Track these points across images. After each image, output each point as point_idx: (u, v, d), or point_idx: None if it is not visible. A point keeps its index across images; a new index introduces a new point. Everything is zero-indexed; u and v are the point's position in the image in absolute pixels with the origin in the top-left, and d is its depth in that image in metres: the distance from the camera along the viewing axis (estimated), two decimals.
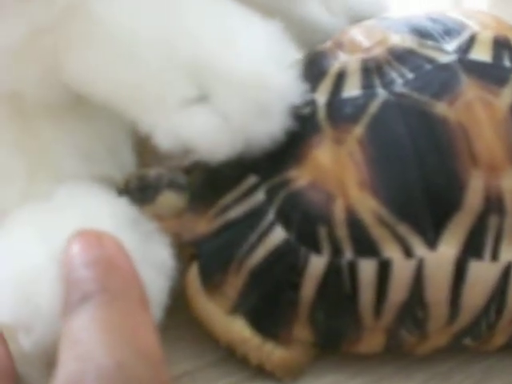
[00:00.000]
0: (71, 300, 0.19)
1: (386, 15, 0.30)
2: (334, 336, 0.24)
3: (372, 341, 0.24)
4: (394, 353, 0.25)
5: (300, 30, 0.28)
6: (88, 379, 0.16)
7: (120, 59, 0.23)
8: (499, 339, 0.25)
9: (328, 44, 0.26)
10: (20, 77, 0.25)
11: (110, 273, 0.20)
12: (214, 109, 0.22)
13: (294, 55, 0.24)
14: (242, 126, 0.22)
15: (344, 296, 0.23)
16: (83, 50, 0.23)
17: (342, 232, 0.22)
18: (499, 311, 0.23)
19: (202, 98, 0.23)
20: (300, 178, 0.23)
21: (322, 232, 0.22)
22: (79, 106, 0.27)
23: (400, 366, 0.25)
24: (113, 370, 0.16)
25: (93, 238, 0.21)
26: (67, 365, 0.17)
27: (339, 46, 0.25)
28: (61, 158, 0.27)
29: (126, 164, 0.29)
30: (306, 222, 0.23)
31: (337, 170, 0.22)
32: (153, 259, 0.23)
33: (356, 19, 0.30)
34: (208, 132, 0.23)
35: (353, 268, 0.22)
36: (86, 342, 0.17)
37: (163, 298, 0.23)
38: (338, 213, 0.22)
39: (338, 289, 0.23)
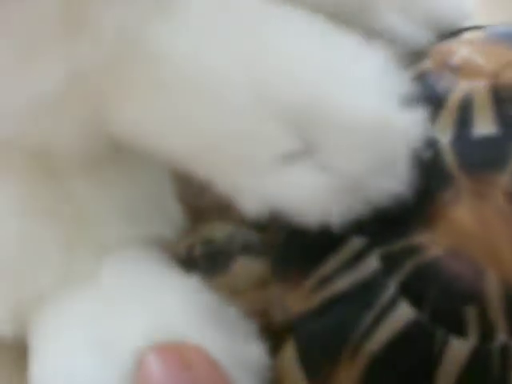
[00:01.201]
0: None
1: (474, 23, 0.26)
2: None
3: None
4: None
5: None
6: None
7: (194, 107, 0.18)
8: None
9: (428, 64, 0.21)
10: (51, 129, 0.19)
11: None
12: (320, 165, 0.18)
13: (410, 87, 0.18)
14: (359, 184, 0.18)
15: None
16: (141, 96, 0.18)
17: (495, 311, 0.17)
18: None
19: (306, 153, 0.17)
20: (433, 244, 0.18)
21: (470, 313, 0.18)
22: (118, 160, 0.22)
23: None
24: None
25: (177, 356, 0.16)
26: None
27: (448, 67, 0.21)
28: (102, 223, 0.22)
29: (174, 219, 0.24)
30: (445, 299, 0.18)
31: (483, 232, 0.18)
32: (242, 360, 0.19)
33: (436, 28, 0.25)
34: (313, 195, 0.18)
35: (506, 353, 0.18)
36: None
37: None
38: (492, 288, 0.17)
39: (484, 379, 0.18)
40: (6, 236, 0.21)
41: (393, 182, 0.18)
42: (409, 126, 0.18)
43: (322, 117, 0.17)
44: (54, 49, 0.17)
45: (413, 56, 0.23)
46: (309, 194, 0.18)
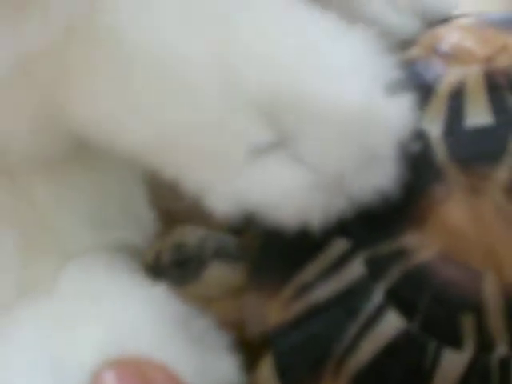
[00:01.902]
0: None
1: (463, 12, 0.24)
2: None
3: None
4: None
5: None
6: None
7: (157, 95, 0.16)
8: None
9: (416, 50, 0.20)
10: (5, 120, 0.17)
11: None
12: (295, 158, 0.16)
13: (395, 72, 0.17)
14: (339, 180, 0.16)
15: None
16: (97, 83, 0.16)
17: (495, 321, 0.16)
18: None
19: (278, 145, 0.16)
20: (423, 246, 0.16)
21: (466, 322, 0.16)
22: (81, 156, 0.20)
23: None
24: None
25: (134, 372, 0.14)
26: None
27: (437, 53, 0.19)
28: (64, 228, 0.20)
29: (145, 224, 0.22)
30: (438, 307, 0.16)
31: (480, 232, 0.16)
32: (214, 380, 0.17)
33: (424, 17, 0.23)
34: (288, 192, 0.16)
35: (506, 366, 0.16)
36: None
37: None
38: (490, 295, 0.16)
39: None
40: None
41: (377, 177, 0.16)
42: (395, 115, 0.16)
43: (297, 105, 0.15)
44: (2, 31, 0.15)
45: (400, 44, 0.21)
46: (283, 191, 0.16)
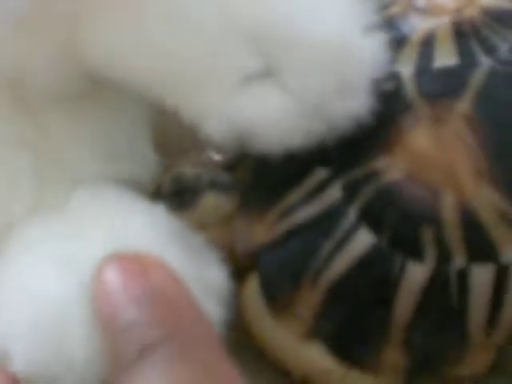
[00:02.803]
0: (126, 351, 0.15)
1: None
2: (433, 359, 0.20)
3: (478, 361, 0.20)
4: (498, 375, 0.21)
5: None
6: None
7: (161, 26, 0.18)
8: None
9: (394, 7, 0.22)
10: (25, 55, 0.20)
11: (168, 312, 0.15)
12: (283, 86, 0.18)
13: (374, 17, 0.19)
14: (318, 106, 0.18)
15: (449, 310, 0.19)
16: (113, 21, 0.18)
17: (453, 234, 0.18)
18: None
19: (269, 74, 0.18)
20: (391, 168, 0.19)
21: (427, 235, 0.18)
22: (94, 95, 0.22)
23: None
24: None
25: (132, 262, 0.16)
26: None
27: (413, 8, 0.21)
28: (76, 158, 0.22)
29: (149, 162, 0.24)
30: (403, 223, 0.18)
31: (441, 156, 0.18)
32: (205, 283, 0.19)
33: None
34: (276, 116, 0.18)
35: (463, 276, 0.19)
36: None
37: (220, 329, 0.18)
38: (448, 210, 0.18)
39: (443, 302, 0.19)
40: None
41: (352, 106, 0.18)
42: (369, 53, 0.18)
43: (284, 38, 0.18)
44: None
45: (383, 5, 0.23)
46: (270, 115, 0.18)
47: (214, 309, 0.18)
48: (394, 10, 0.22)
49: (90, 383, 0.17)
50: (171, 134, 0.25)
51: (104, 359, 0.16)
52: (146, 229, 0.19)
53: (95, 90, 0.21)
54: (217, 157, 0.24)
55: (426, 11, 0.21)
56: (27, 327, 0.17)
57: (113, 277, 0.16)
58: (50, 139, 0.22)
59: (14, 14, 0.18)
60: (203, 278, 0.19)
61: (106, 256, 0.17)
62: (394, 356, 0.20)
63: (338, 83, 0.18)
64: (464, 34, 0.20)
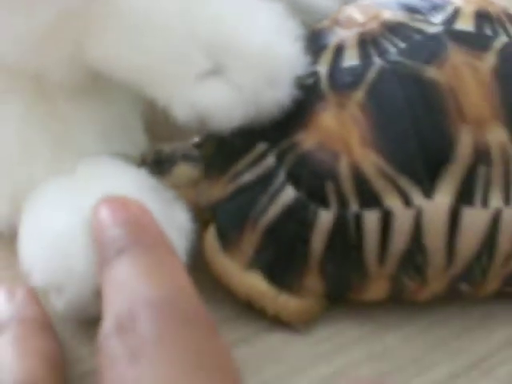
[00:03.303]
0: (107, 255, 0.21)
1: None
2: (342, 285, 0.26)
3: (377, 288, 0.26)
4: (398, 301, 0.27)
5: (298, 12, 0.30)
6: (138, 311, 0.18)
7: (139, 36, 0.25)
8: (493, 284, 0.27)
9: (326, 22, 0.29)
10: (47, 58, 0.27)
11: (139, 230, 0.22)
12: (227, 80, 0.25)
13: (298, 31, 0.26)
14: (254, 95, 0.25)
15: (350, 246, 0.25)
16: (104, 31, 0.25)
17: (347, 186, 0.24)
18: (491, 256, 0.26)
19: (217, 71, 0.25)
20: (307, 140, 0.25)
21: (330, 187, 0.25)
22: (97, 89, 0.29)
23: (403, 314, 0.28)
24: (160, 300, 0.18)
25: (119, 202, 0.23)
26: (114, 305, 0.19)
27: (336, 23, 0.28)
28: (82, 138, 0.29)
29: (140, 142, 0.31)
30: (314, 179, 0.25)
31: (341, 131, 0.25)
32: (174, 222, 0.26)
33: (349, 1, 0.32)
34: (223, 102, 0.25)
35: (358, 219, 0.25)
36: (130, 283, 0.19)
37: (183, 257, 0.25)
38: (344, 169, 0.24)
39: (345, 240, 0.25)
40: (8, 139, 0.28)
41: (279, 95, 0.25)
42: (293, 56, 0.25)
43: (229, 45, 0.25)
44: None
45: (321, 19, 0.30)
46: (219, 102, 0.25)
47: (181, 242, 0.25)
48: (325, 23, 0.29)
49: (85, 292, 0.24)
50: (161, 122, 0.32)
51: (96, 271, 0.23)
52: (132, 184, 0.26)
53: (96, 84, 0.29)
54: (194, 138, 0.31)
55: (343, 25, 0.28)
56: (43, 250, 0.24)
57: (103, 209, 0.23)
58: (63, 122, 0.29)
59: (35, 29, 0.25)
60: (174, 218, 0.26)
61: (101, 198, 0.24)
62: (313, 282, 0.26)
63: (268, 78, 0.25)
64: (365, 41, 0.26)
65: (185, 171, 0.29)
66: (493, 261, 0.26)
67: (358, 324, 0.27)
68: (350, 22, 0.27)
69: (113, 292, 0.20)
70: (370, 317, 0.27)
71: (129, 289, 0.19)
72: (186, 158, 0.29)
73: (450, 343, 0.27)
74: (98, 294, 0.22)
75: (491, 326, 0.28)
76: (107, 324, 0.19)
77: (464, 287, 0.27)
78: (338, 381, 0.16)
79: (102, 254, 0.21)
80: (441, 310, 0.28)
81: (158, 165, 0.29)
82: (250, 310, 0.27)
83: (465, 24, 0.26)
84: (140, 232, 0.22)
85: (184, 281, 0.20)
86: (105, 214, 0.23)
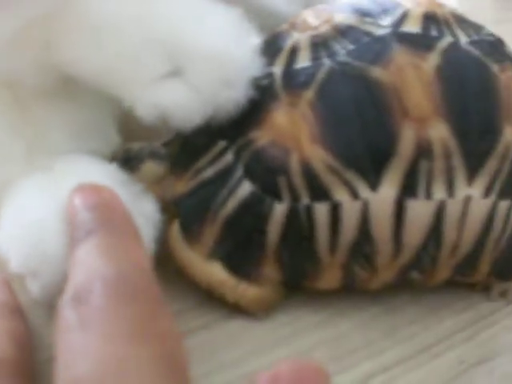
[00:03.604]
0: (76, 237, 0.23)
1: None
2: (297, 274, 0.28)
3: (330, 277, 0.28)
4: (351, 290, 0.29)
5: (260, 16, 0.32)
6: (94, 285, 0.19)
7: (104, 42, 0.27)
8: (444, 273, 0.29)
9: (285, 26, 0.30)
10: (16, 64, 0.28)
11: (108, 213, 0.24)
12: (186, 82, 0.26)
13: (253, 35, 0.27)
14: (211, 95, 0.26)
15: (304, 237, 0.27)
16: (69, 36, 0.27)
17: (298, 181, 0.26)
18: (438, 245, 0.27)
19: (176, 73, 0.26)
20: (261, 137, 0.27)
21: (282, 182, 0.26)
22: (69, 92, 0.31)
23: (355, 301, 0.29)
24: (115, 277, 0.20)
25: (91, 188, 0.25)
26: (75, 278, 0.21)
27: (293, 26, 0.30)
28: (55, 139, 0.30)
29: (112, 141, 0.33)
30: (268, 174, 0.27)
31: (292, 128, 0.26)
32: (142, 211, 0.27)
33: (310, 5, 0.34)
34: (182, 102, 0.26)
35: (309, 211, 0.26)
36: (90, 260, 0.21)
37: (151, 245, 0.27)
38: (295, 164, 0.26)
39: (298, 231, 0.27)
40: None
41: (235, 95, 0.27)
42: (246, 59, 0.27)
43: (187, 50, 0.26)
44: (10, 5, 0.26)
45: (281, 23, 0.32)
46: (180, 103, 0.27)
47: (149, 230, 0.27)
48: (284, 27, 0.31)
49: (59, 277, 0.25)
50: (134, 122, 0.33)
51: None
52: (103, 177, 0.28)
53: (68, 87, 0.30)
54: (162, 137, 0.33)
55: (299, 28, 0.29)
56: (18, 236, 0.26)
57: (78, 202, 0.25)
58: (37, 124, 0.31)
59: (6, 33, 0.27)
60: (142, 209, 0.27)
61: (74, 188, 0.26)
62: (270, 271, 0.28)
63: (224, 80, 0.27)
64: (317, 44, 0.28)
65: (151, 168, 0.30)
66: (440, 250, 0.27)
67: (314, 311, 0.29)
68: (304, 26, 0.29)
69: (74, 268, 0.21)
70: (325, 304, 0.29)
71: (88, 265, 0.21)
72: (153, 155, 0.30)
73: (402, 330, 0.29)
74: None
75: (442, 313, 0.29)
76: (65, 295, 0.20)
77: (415, 275, 0.28)
78: (258, 376, 0.17)
79: (73, 236, 0.23)
80: (394, 298, 0.30)
81: (126, 162, 0.30)
82: (212, 299, 0.28)
83: (412, 26, 0.28)
84: (108, 216, 0.23)
85: (141, 260, 0.22)
86: (77, 199, 0.24)
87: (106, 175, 0.28)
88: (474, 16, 0.30)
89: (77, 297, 0.19)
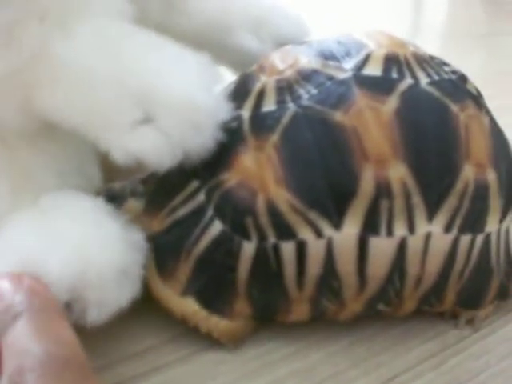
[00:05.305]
0: (6, 320, 0.24)
1: (306, 39, 0.36)
2: (267, 309, 0.29)
3: (300, 311, 0.29)
4: (322, 321, 0.30)
5: (232, 56, 0.33)
6: (25, 367, 0.21)
7: (80, 93, 0.28)
8: (410, 304, 0.30)
9: (254, 68, 0.32)
10: (1, 112, 0.30)
11: (32, 296, 0.25)
12: (157, 128, 0.28)
13: (220, 80, 0.29)
14: (181, 140, 0.28)
15: (272, 274, 0.28)
16: (50, 87, 0.29)
17: (264, 220, 0.27)
18: (402, 279, 0.28)
19: (148, 120, 0.28)
20: (230, 179, 0.28)
21: (249, 222, 0.28)
22: (53, 134, 0.32)
23: (326, 333, 0.31)
24: (44, 355, 0.21)
25: (16, 275, 0.26)
26: (8, 366, 0.22)
27: (261, 69, 0.31)
28: (39, 178, 0.32)
29: (94, 179, 0.34)
30: (236, 214, 0.28)
31: (258, 171, 0.28)
32: (131, 240, 0.29)
33: (282, 44, 0.35)
34: (153, 147, 0.28)
35: (276, 250, 0.28)
36: (20, 343, 0.22)
37: (141, 271, 0.28)
38: (261, 205, 0.27)
39: (267, 268, 0.28)
40: None
41: (203, 139, 0.28)
42: (213, 106, 0.28)
43: (157, 99, 0.28)
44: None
45: (252, 63, 0.33)
46: (151, 148, 0.28)
47: (138, 258, 0.28)
48: (253, 68, 0.32)
49: None
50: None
51: None
52: (91, 208, 0.29)
53: (52, 129, 0.32)
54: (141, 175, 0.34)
55: (266, 72, 0.31)
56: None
57: (3, 281, 0.26)
58: (21, 164, 0.32)
59: None
60: (131, 238, 0.29)
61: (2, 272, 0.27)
62: (242, 306, 0.29)
63: (192, 125, 0.28)
64: (282, 88, 0.29)
65: (132, 206, 0.32)
66: (404, 283, 0.29)
67: (285, 343, 0.30)
68: (271, 69, 0.30)
69: (7, 350, 0.22)
70: (296, 336, 0.30)
71: (19, 348, 0.22)
72: (134, 193, 0.32)
73: (370, 359, 0.30)
74: None
75: (410, 342, 0.31)
76: (2, 382, 0.22)
77: (382, 307, 0.30)
78: None
79: (2, 319, 0.24)
80: (363, 329, 0.31)
81: (110, 200, 0.31)
82: (186, 333, 0.30)
83: (373, 68, 0.29)
84: (33, 298, 0.25)
85: (66, 334, 0.23)
86: (3, 285, 0.25)
87: (94, 206, 0.29)
88: (466, 29, 0.31)
89: (13, 381, 0.21)
